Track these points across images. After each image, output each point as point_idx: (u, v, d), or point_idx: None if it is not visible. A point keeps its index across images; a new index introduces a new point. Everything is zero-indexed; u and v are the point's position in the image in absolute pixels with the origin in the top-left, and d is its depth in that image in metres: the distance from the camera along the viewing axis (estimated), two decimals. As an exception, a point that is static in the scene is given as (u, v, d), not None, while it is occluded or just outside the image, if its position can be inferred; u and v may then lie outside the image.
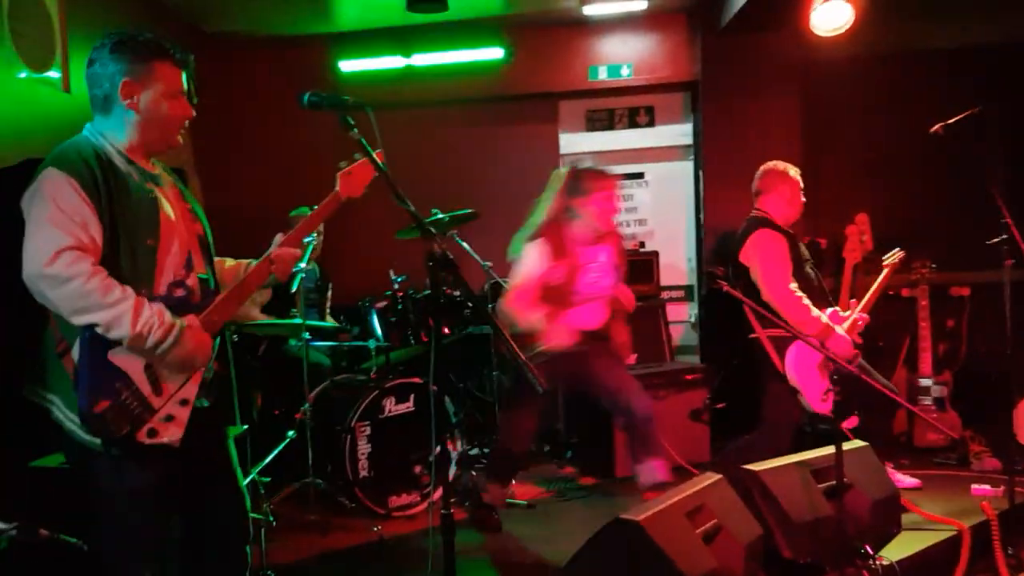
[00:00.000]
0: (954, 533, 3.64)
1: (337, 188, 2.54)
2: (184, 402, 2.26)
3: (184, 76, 2.40)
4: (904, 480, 4.35)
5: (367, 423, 4.29)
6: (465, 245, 4.80)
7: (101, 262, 2.17)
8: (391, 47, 6.38)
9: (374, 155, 2.37)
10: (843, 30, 4.92)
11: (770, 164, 4.37)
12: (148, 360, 2.21)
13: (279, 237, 2.54)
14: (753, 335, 4.18)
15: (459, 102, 6.58)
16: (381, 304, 4.64)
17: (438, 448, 3.26)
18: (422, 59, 6.40)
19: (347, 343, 5.21)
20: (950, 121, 3.96)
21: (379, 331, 4.66)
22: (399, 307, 4.60)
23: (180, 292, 2.32)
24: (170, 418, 2.23)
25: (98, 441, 2.18)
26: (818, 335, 3.94)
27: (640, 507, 2.51)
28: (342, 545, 4.00)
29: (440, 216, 4.56)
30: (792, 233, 4.27)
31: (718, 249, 5.98)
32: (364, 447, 4.27)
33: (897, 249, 4.43)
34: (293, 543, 3.93)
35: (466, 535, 3.95)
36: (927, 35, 5.99)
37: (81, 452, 2.21)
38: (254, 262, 2.54)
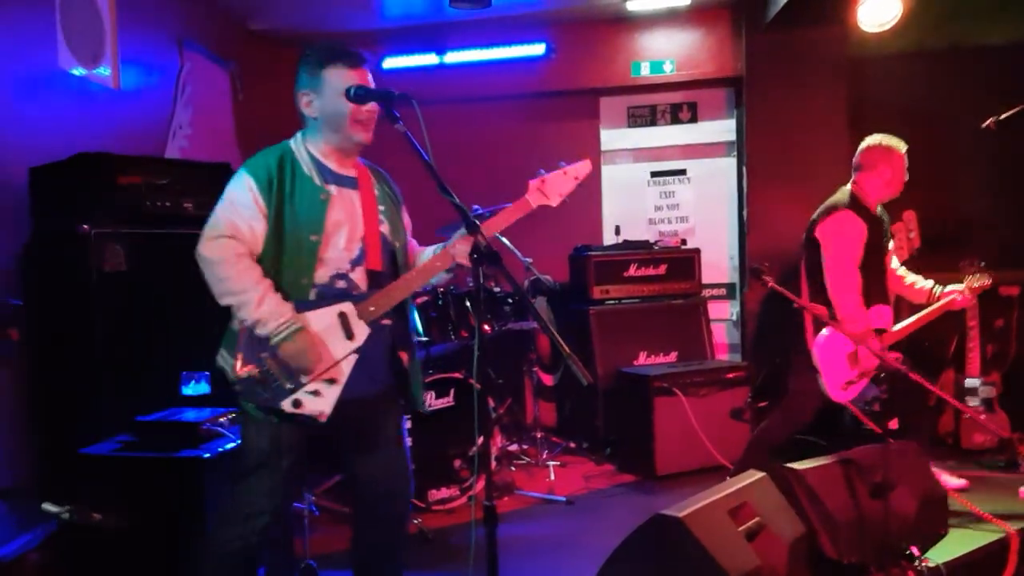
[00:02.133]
0: (1002, 536, 3.57)
1: (526, 196, 2.84)
2: (331, 381, 2.47)
3: (355, 75, 2.56)
4: (950, 481, 4.28)
5: (408, 417, 4.32)
6: (506, 241, 4.81)
7: (264, 252, 2.49)
8: (434, 43, 6.42)
9: (419, 146, 2.39)
10: (891, 25, 4.84)
11: (876, 138, 4.17)
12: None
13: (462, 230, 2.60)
14: (800, 304, 4.09)
15: (500, 98, 6.58)
16: (421, 299, 4.66)
17: (480, 439, 3.28)
18: (464, 55, 6.42)
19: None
20: (1002, 116, 3.88)
21: (419, 326, 4.69)
22: (439, 303, 4.62)
23: (341, 284, 2.55)
24: (316, 393, 2.45)
25: (250, 405, 2.48)
26: (855, 337, 3.86)
27: (681, 504, 2.50)
28: (382, 537, 4.03)
29: (482, 212, 4.57)
30: (879, 217, 4.11)
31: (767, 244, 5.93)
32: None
33: (981, 267, 4.18)
34: (335, 534, 3.97)
35: (507, 529, 3.96)
36: (976, 31, 5.88)
37: (241, 411, 2.53)
38: (439, 247, 2.75)
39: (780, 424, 4.20)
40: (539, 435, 5.29)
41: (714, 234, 6.53)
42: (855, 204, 4.04)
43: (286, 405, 2.43)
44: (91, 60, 4.24)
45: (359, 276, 2.58)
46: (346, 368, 2.50)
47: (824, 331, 3.92)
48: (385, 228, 2.69)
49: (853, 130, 5.91)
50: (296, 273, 2.49)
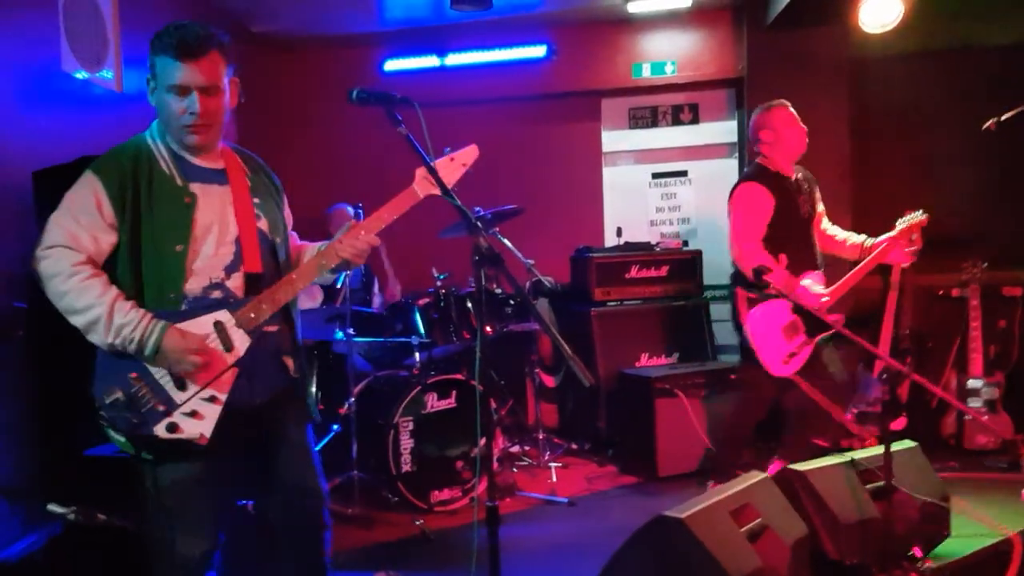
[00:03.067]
0: (1004, 538, 3.57)
1: (413, 186, 2.44)
2: (211, 399, 2.21)
3: (184, 70, 2.22)
4: None
5: (410, 418, 4.33)
6: (507, 242, 4.82)
7: (120, 265, 2.22)
8: (435, 45, 6.43)
9: (420, 149, 2.38)
10: (893, 26, 4.84)
11: (757, 108, 4.18)
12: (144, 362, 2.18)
13: (348, 225, 2.47)
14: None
15: (502, 100, 6.59)
16: (423, 301, 4.67)
17: (483, 440, 3.25)
18: (465, 57, 6.44)
19: (390, 339, 5.25)
20: (1003, 117, 3.89)
21: (421, 327, 4.70)
22: (441, 304, 4.63)
23: (217, 294, 2.29)
24: (193, 414, 2.19)
25: (122, 439, 2.20)
26: (782, 287, 3.83)
27: (683, 505, 2.50)
28: (385, 538, 4.05)
29: (483, 213, 4.58)
30: (798, 182, 4.09)
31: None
32: (407, 442, 4.31)
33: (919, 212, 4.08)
34: (337, 536, 3.91)
35: (509, 530, 3.96)
36: (977, 32, 5.87)
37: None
38: (323, 244, 2.50)
39: (739, 413, 4.28)
40: (541, 436, 5.29)
41: (715, 235, 6.52)
42: (758, 175, 4.07)
43: (159, 431, 2.15)
44: (94, 63, 4.25)
45: (235, 282, 2.32)
46: (226, 383, 2.23)
47: (756, 308, 3.95)
48: (263, 224, 2.42)
49: (855, 131, 5.92)
50: (160, 287, 2.23)
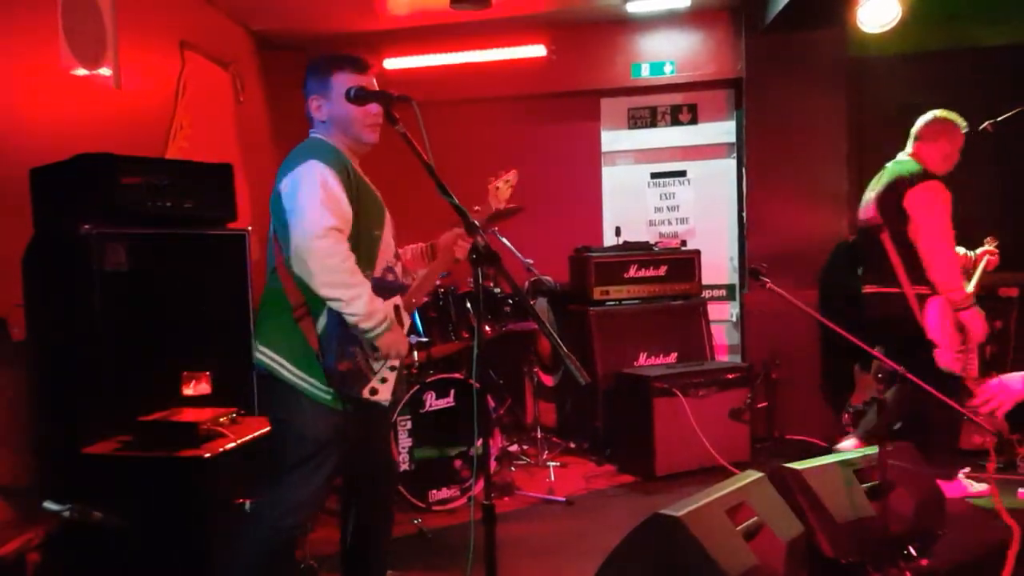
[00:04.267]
0: (1000, 537, 3.57)
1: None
2: (393, 367, 2.66)
3: (361, 80, 2.67)
4: (972, 487, 4.27)
5: (408, 417, 4.33)
6: (506, 241, 4.83)
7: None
8: (434, 44, 6.42)
9: (417, 148, 2.40)
10: (891, 27, 4.85)
11: (939, 112, 4.23)
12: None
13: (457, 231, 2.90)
14: (896, 289, 4.09)
15: (501, 99, 6.60)
16: (422, 300, 4.67)
17: (479, 441, 3.32)
18: (465, 56, 6.43)
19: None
20: (999, 118, 3.89)
21: (420, 327, 4.70)
22: (440, 303, 4.64)
23: (390, 276, 2.74)
24: (384, 380, 2.63)
25: (327, 396, 2.58)
26: (958, 304, 3.89)
27: (680, 503, 2.50)
28: (382, 537, 4.04)
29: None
30: None
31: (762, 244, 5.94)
32: (405, 441, 4.32)
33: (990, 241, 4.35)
34: (334, 535, 3.97)
35: (507, 529, 3.97)
36: (975, 32, 5.88)
37: (297, 406, 2.59)
38: (424, 245, 3.00)
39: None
40: (539, 435, 5.30)
41: (714, 235, 6.54)
42: (932, 175, 4.09)
43: (365, 393, 2.58)
44: (92, 61, 4.25)
45: (399, 268, 2.81)
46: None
47: (931, 303, 4.00)
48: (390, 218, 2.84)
49: (853, 132, 5.93)
50: (362, 267, 2.59)
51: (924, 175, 4.06)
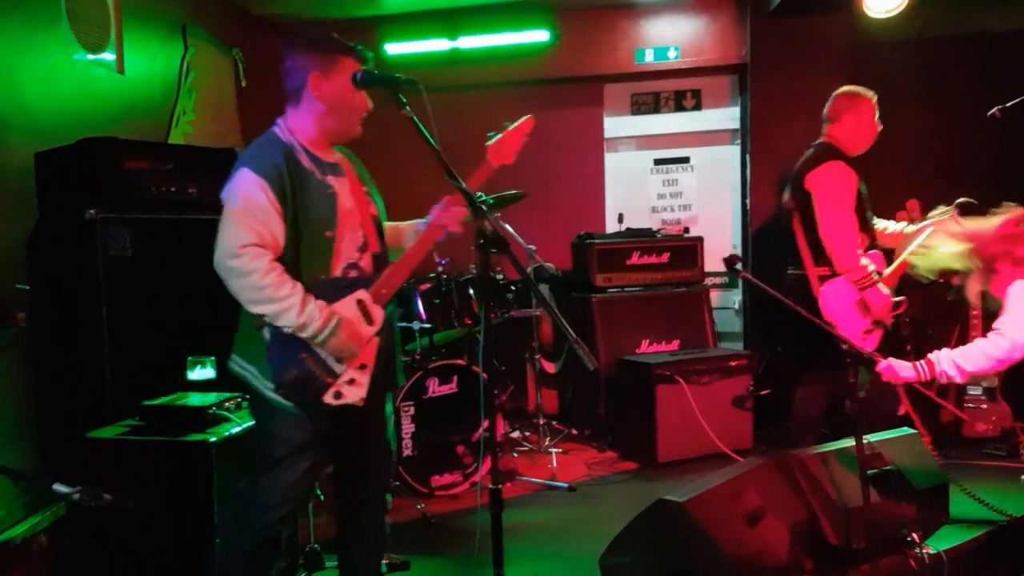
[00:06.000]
0: (1003, 524, 3.58)
1: (487, 158, 2.72)
2: (363, 367, 2.55)
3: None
4: None
5: (411, 403, 4.34)
6: (509, 227, 4.82)
7: (283, 255, 2.46)
8: (436, 30, 6.39)
9: (426, 132, 2.39)
10: (897, 12, 4.83)
11: (843, 88, 4.17)
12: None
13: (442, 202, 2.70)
14: (798, 271, 4.06)
15: (504, 85, 6.56)
16: (425, 286, 4.67)
17: (485, 423, 3.31)
18: (467, 42, 6.39)
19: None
20: (1007, 104, 3.88)
21: (423, 313, 4.71)
22: (443, 289, 4.64)
23: (353, 273, 2.60)
24: (352, 381, 2.52)
25: (290, 405, 2.49)
26: (858, 283, 3.85)
27: (684, 489, 2.51)
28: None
29: (485, 198, 4.57)
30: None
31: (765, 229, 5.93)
32: (408, 427, 4.33)
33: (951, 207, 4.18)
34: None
35: (510, 514, 3.98)
36: (981, 18, 5.85)
37: (267, 413, 2.55)
38: (420, 222, 2.76)
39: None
40: (541, 422, 5.31)
41: (717, 222, 6.53)
42: (839, 154, 4.03)
43: (328, 398, 2.49)
44: (96, 46, 4.24)
45: (366, 262, 2.64)
46: (371, 352, 2.58)
47: (827, 284, 3.94)
48: (374, 209, 2.73)
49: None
50: (314, 270, 2.52)
51: (828, 155, 4.01)
